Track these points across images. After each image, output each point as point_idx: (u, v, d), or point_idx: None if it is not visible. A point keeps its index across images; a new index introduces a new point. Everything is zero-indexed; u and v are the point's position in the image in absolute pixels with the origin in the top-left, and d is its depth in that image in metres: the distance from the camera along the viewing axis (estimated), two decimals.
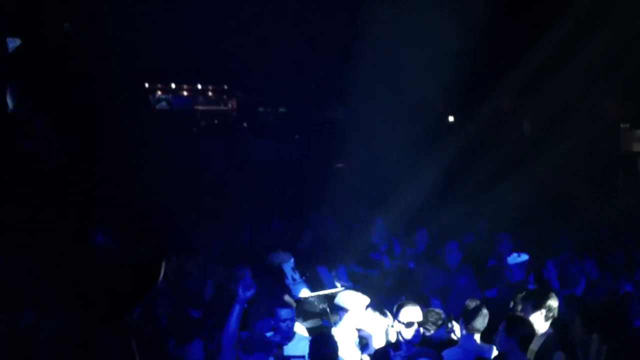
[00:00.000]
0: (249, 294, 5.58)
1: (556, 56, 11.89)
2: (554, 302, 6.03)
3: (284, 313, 5.83)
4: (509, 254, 8.52)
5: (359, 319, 6.24)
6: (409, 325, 5.79)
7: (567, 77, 11.94)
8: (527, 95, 13.44)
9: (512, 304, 6.64)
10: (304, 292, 7.30)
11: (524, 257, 7.77)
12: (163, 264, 1.91)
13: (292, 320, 5.93)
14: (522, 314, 5.98)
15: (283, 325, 5.82)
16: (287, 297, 6.16)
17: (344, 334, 5.98)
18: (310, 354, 5.28)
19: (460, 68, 12.74)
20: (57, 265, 1.75)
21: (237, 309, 5.49)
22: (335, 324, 6.39)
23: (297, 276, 7.67)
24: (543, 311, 5.90)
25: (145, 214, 1.93)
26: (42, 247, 1.76)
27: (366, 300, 6.38)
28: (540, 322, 5.86)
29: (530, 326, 5.65)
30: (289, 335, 5.85)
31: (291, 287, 7.33)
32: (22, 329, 1.94)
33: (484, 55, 12.77)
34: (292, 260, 7.67)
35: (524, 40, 12.50)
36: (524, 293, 6.31)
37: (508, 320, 5.71)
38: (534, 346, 5.71)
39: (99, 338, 1.83)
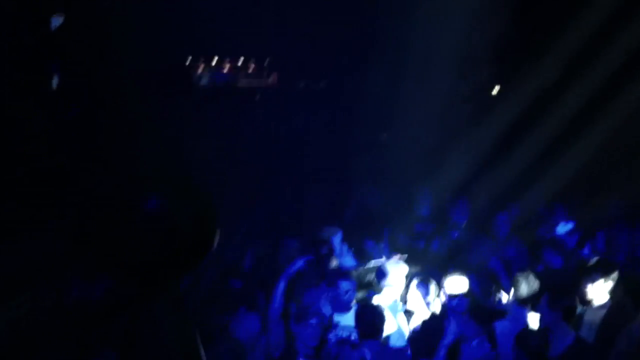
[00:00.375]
0: (295, 268, 5.61)
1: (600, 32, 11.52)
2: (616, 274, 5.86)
3: (345, 285, 5.84)
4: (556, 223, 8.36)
5: (402, 290, 6.19)
6: (454, 295, 5.70)
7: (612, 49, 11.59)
8: (575, 63, 13.05)
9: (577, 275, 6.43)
10: (352, 264, 7.28)
11: (570, 225, 7.62)
12: (215, 232, 1.86)
13: (354, 292, 5.94)
14: (587, 285, 5.79)
15: (345, 296, 5.82)
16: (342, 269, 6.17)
17: (388, 304, 5.93)
18: (356, 323, 5.25)
19: (505, 37, 12.45)
20: (106, 233, 1.70)
21: (282, 283, 5.51)
22: (380, 294, 6.36)
23: (344, 248, 7.67)
24: (610, 282, 5.74)
25: (194, 181, 1.88)
26: (91, 214, 1.72)
27: (408, 270, 6.33)
28: (603, 293, 5.71)
29: (574, 298, 5.53)
30: (349, 306, 5.85)
31: (339, 259, 7.33)
32: (68, 303, 1.87)
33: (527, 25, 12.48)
34: (340, 233, 7.66)
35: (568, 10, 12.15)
36: (589, 263, 6.12)
37: (551, 292, 5.59)
38: (595, 317, 5.56)
39: (152, 308, 1.78)
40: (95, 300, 1.78)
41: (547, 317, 5.41)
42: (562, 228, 7.65)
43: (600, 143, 10.86)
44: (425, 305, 5.93)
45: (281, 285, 5.61)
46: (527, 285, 5.85)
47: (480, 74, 14.24)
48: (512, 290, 6.01)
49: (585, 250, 7.49)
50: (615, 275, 5.79)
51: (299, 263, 5.86)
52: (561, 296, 5.47)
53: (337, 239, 7.84)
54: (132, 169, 1.87)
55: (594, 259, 6.25)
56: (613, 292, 5.74)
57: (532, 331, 5.34)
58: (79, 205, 1.77)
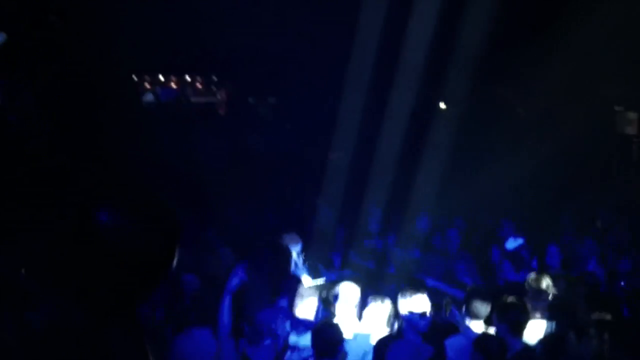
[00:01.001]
0: (237, 279, 5.45)
1: (551, 37, 11.77)
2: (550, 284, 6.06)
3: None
4: (510, 238, 8.48)
5: (356, 310, 6.14)
6: (417, 314, 5.65)
7: (563, 60, 11.85)
8: (522, 78, 13.32)
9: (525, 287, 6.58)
10: (305, 280, 7.21)
11: (519, 240, 7.73)
12: (176, 247, 1.72)
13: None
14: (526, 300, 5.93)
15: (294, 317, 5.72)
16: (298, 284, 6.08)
17: (344, 324, 5.86)
18: (313, 342, 5.16)
19: (455, 55, 12.63)
20: (55, 251, 1.56)
21: (227, 298, 5.37)
22: (334, 314, 6.29)
23: (300, 262, 7.58)
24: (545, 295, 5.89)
25: (154, 192, 1.74)
26: (38, 232, 1.58)
27: (359, 290, 6.28)
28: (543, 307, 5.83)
29: (522, 311, 5.59)
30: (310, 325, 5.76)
31: (293, 272, 7.25)
32: (20, 327, 1.72)
33: (477, 39, 12.66)
34: (300, 244, 7.58)
35: (519, 22, 12.40)
36: (530, 278, 6.27)
37: (498, 306, 5.67)
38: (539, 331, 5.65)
39: (105, 333, 1.63)
40: (43, 325, 1.67)
41: (498, 330, 5.49)
42: (512, 243, 7.76)
43: (550, 156, 11.08)
44: (381, 323, 5.86)
45: (226, 301, 5.44)
46: (479, 301, 5.86)
47: (425, 93, 14.39)
48: (464, 305, 6.02)
49: (534, 265, 7.61)
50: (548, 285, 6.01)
51: (239, 273, 5.66)
52: (508, 309, 5.55)
53: (296, 248, 7.78)
54: (83, 181, 1.74)
55: (531, 275, 6.40)
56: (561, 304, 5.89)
57: (489, 336, 5.37)
58: (26, 223, 1.65)
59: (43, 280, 1.62)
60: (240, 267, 5.55)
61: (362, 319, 5.90)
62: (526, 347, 5.37)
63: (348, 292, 6.26)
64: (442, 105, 16.45)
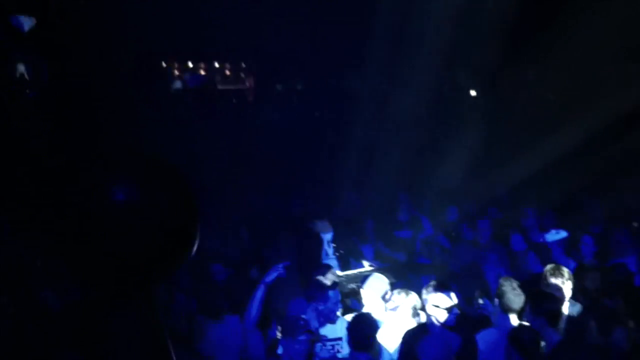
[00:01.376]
0: (274, 275, 5.47)
1: (583, 18, 11.52)
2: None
3: (333, 295, 5.71)
4: (536, 229, 8.34)
5: (382, 302, 6.09)
6: (444, 308, 5.57)
7: (596, 42, 11.62)
8: (554, 66, 13.09)
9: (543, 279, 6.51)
10: (333, 271, 7.18)
11: (563, 233, 7.57)
12: (198, 225, 1.61)
13: (338, 303, 5.83)
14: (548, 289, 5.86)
15: (332, 308, 5.70)
16: (328, 277, 6.03)
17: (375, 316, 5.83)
18: (349, 333, 5.11)
19: (482, 39, 12.44)
20: (69, 229, 1.46)
21: (260, 290, 5.38)
22: (361, 306, 6.25)
23: (330, 252, 7.56)
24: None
25: (175, 167, 1.63)
26: (52, 212, 1.49)
27: (387, 282, 6.22)
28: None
29: (557, 301, 5.50)
30: (335, 318, 5.73)
31: (325, 261, 7.23)
32: (37, 309, 1.67)
33: (506, 25, 12.46)
34: (331, 233, 7.55)
35: (550, 9, 12.17)
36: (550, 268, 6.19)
37: (533, 298, 5.58)
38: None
39: (121, 315, 1.56)
40: (68, 304, 1.61)
41: (533, 323, 5.38)
42: (554, 236, 7.61)
43: (585, 149, 10.88)
44: (407, 315, 5.81)
45: (259, 293, 5.46)
46: (511, 292, 5.77)
47: (467, 76, 14.23)
48: (496, 297, 5.93)
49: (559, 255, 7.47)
50: (568, 277, 5.94)
51: (279, 269, 5.71)
52: (543, 301, 5.47)
53: (327, 237, 7.76)
54: (97, 152, 1.62)
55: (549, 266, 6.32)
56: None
57: (525, 328, 5.28)
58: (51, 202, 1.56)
59: (58, 261, 1.55)
60: (281, 264, 5.59)
61: (388, 311, 5.84)
62: (565, 340, 5.26)
63: (375, 284, 6.22)
64: (472, 92, 16.28)
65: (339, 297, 5.85)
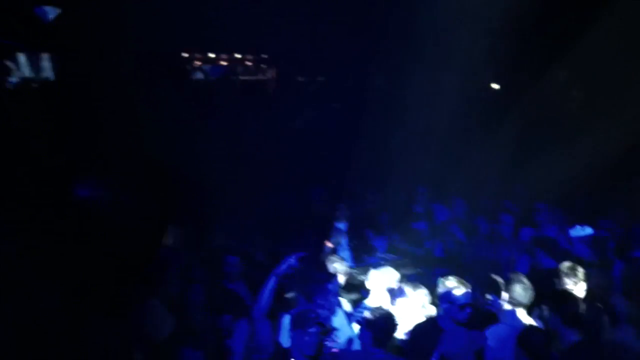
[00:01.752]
0: (287, 266, 5.49)
1: (608, 13, 11.36)
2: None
3: (330, 287, 5.73)
4: (553, 225, 8.28)
5: (388, 295, 6.10)
6: (457, 305, 5.54)
7: (622, 39, 11.47)
8: (575, 61, 12.94)
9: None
10: (344, 264, 7.20)
11: (588, 230, 7.52)
12: (168, 221, 1.56)
13: (335, 295, 5.85)
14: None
15: (328, 299, 5.72)
16: (334, 266, 6.06)
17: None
18: (369, 328, 5.11)
19: (506, 33, 12.33)
20: (69, 229, 1.44)
21: (272, 281, 5.40)
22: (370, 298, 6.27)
23: (344, 243, 7.57)
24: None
25: (145, 161, 1.58)
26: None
27: (395, 275, 6.23)
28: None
29: (576, 302, 5.46)
30: (332, 309, 5.76)
31: (339, 252, 7.25)
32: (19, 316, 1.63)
33: (529, 19, 12.33)
34: (345, 224, 7.57)
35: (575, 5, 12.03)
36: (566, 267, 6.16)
37: (552, 296, 5.55)
38: None
39: (90, 323, 1.51)
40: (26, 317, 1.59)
41: (550, 322, 5.35)
42: (577, 232, 7.56)
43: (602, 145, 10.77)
44: (416, 309, 5.80)
45: (270, 283, 5.47)
46: (521, 288, 5.75)
47: (483, 74, 14.12)
48: (506, 293, 5.90)
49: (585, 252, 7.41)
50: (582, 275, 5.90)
51: (291, 260, 5.70)
52: (563, 300, 5.44)
53: (342, 227, 7.78)
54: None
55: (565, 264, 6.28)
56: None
57: (534, 329, 5.24)
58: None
59: (36, 272, 1.53)
60: (294, 256, 5.60)
61: (395, 305, 5.84)
62: (584, 339, 5.21)
63: (382, 276, 6.22)
64: (495, 86, 16.15)
65: (337, 289, 5.85)
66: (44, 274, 1.47)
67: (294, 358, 4.88)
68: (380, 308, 5.50)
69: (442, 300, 5.58)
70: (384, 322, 5.11)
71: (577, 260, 6.52)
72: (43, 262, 1.50)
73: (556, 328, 5.23)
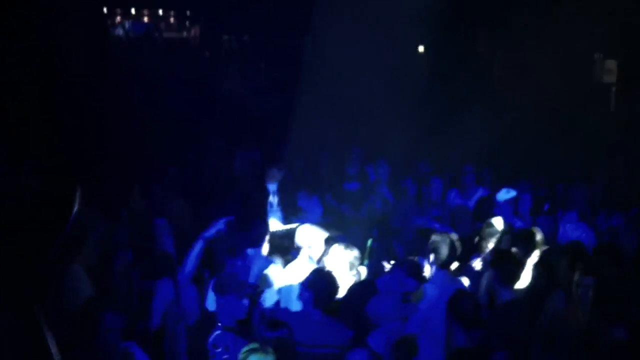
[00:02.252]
0: (214, 230, 5.32)
1: None
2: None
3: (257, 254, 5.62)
4: (474, 186, 8.42)
5: (319, 254, 6.06)
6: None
7: (539, 5, 11.67)
8: (499, 23, 13.11)
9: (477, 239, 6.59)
10: (274, 224, 7.09)
11: (512, 193, 7.64)
12: (74, 195, 1.37)
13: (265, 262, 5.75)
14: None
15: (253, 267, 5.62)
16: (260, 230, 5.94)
17: (303, 269, 5.78)
18: (309, 288, 5.02)
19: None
20: None
21: (198, 245, 5.23)
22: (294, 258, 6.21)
23: (275, 202, 7.46)
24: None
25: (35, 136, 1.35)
26: None
27: (325, 234, 6.19)
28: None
29: (516, 260, 5.55)
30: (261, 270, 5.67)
31: (267, 213, 7.13)
32: None
33: None
34: (276, 184, 7.44)
35: None
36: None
37: (493, 253, 5.64)
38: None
39: None
40: None
41: (490, 279, 5.42)
42: (503, 195, 7.67)
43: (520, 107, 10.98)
44: (345, 270, 5.76)
45: (197, 248, 5.28)
46: (447, 248, 5.75)
47: (411, 35, 14.11)
48: (431, 253, 5.88)
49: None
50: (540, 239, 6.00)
51: (219, 225, 5.52)
52: (503, 258, 5.52)
53: (273, 187, 7.66)
54: None
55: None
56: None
57: (464, 293, 5.28)
58: None
59: None
60: (223, 220, 5.41)
61: (323, 264, 5.79)
62: (514, 300, 5.29)
63: (309, 237, 6.17)
64: (421, 48, 16.23)
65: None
66: None
67: (221, 323, 4.75)
68: (321, 269, 5.44)
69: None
70: (326, 282, 5.05)
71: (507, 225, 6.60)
72: None
73: (492, 285, 5.32)
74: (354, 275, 5.80)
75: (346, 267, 5.71)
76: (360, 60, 12.83)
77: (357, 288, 5.49)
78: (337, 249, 5.79)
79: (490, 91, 12.13)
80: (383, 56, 13.34)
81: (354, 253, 5.76)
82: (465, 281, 5.84)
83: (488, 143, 9.15)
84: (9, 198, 1.25)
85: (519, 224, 7.14)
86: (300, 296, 5.13)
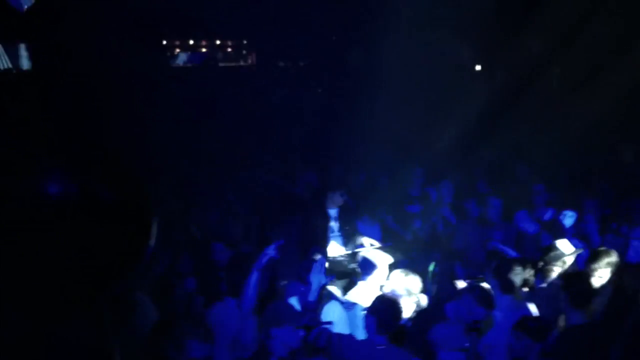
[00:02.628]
0: (267, 257, 5.29)
1: None
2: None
3: (316, 281, 5.56)
4: (544, 206, 8.18)
5: (384, 279, 5.96)
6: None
7: (597, 21, 11.41)
8: (557, 39, 12.86)
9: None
10: (336, 249, 7.04)
11: (573, 214, 7.43)
12: (153, 219, 1.34)
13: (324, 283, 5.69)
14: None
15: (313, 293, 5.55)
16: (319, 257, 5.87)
17: (369, 293, 5.69)
18: (374, 314, 4.95)
19: (486, 11, 12.21)
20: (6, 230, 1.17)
21: (255, 275, 5.21)
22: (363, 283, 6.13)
23: (335, 227, 7.40)
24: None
25: (116, 152, 1.33)
26: None
27: (390, 259, 6.08)
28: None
29: (586, 283, 5.37)
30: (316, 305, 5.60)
31: (328, 238, 7.08)
32: None
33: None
34: (336, 209, 7.40)
35: None
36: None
37: (563, 277, 5.48)
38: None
39: (63, 334, 1.29)
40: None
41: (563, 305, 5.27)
42: (568, 220, 7.46)
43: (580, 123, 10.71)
44: (408, 295, 5.65)
45: (253, 278, 5.26)
46: (510, 272, 5.60)
47: (460, 55, 14.01)
48: (494, 278, 5.73)
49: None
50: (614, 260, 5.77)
51: (270, 251, 5.47)
52: (573, 280, 5.35)
53: (333, 212, 7.61)
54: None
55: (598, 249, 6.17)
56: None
57: (530, 317, 5.15)
58: None
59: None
60: (273, 246, 5.39)
61: (384, 290, 5.70)
62: (589, 323, 5.11)
63: (375, 260, 6.07)
64: (477, 67, 16.07)
65: (323, 281, 5.69)
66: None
67: (275, 353, 4.67)
68: (384, 294, 5.35)
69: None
70: (389, 307, 4.95)
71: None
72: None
73: (563, 308, 5.17)
74: (414, 302, 5.68)
75: (406, 293, 5.60)
76: (418, 82, 12.77)
77: (425, 314, 5.39)
78: (397, 275, 5.70)
79: (549, 108, 11.86)
80: (440, 76, 13.27)
81: (414, 279, 5.66)
82: (532, 307, 5.67)
83: (548, 162, 8.93)
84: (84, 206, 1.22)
85: (580, 246, 6.90)
86: (364, 323, 5.05)
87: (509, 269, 5.57)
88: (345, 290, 6.19)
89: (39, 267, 1.22)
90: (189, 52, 17.78)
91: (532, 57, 13.82)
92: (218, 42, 18.59)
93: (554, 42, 12.95)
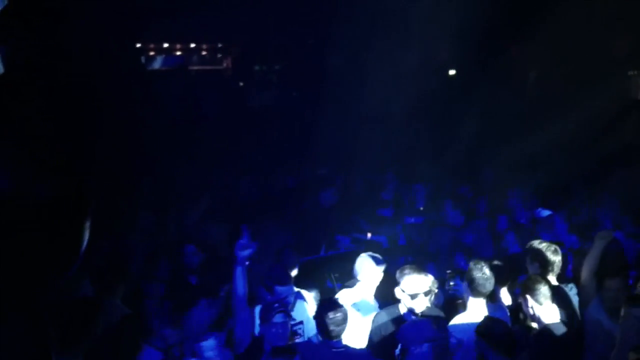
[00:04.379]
0: (246, 253, 5.25)
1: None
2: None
3: (282, 290, 5.57)
4: (521, 209, 8.29)
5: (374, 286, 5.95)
6: (414, 296, 5.39)
7: (574, 23, 11.53)
8: (533, 42, 12.99)
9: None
10: (313, 251, 7.06)
11: (546, 212, 7.53)
12: (88, 218, 1.30)
13: (291, 297, 5.71)
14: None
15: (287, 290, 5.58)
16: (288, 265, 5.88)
17: (347, 300, 5.69)
18: (316, 317, 4.97)
19: (461, 15, 12.31)
20: None
21: (239, 271, 5.19)
22: (340, 287, 6.14)
23: (313, 229, 7.41)
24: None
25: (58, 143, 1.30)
26: None
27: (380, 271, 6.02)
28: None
29: (546, 284, 5.44)
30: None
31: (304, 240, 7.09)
32: None
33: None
34: (316, 211, 7.42)
35: None
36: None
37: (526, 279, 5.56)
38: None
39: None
40: None
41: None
42: (541, 214, 7.57)
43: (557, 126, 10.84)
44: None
45: (238, 272, 5.22)
46: (480, 277, 5.58)
47: (434, 59, 14.09)
48: (466, 281, 5.74)
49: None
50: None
51: (249, 250, 5.41)
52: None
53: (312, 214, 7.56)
54: None
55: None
56: None
57: (494, 320, 5.16)
58: None
59: None
60: (243, 239, 5.30)
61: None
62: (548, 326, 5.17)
63: (366, 270, 6.01)
64: (451, 72, 16.17)
65: (291, 292, 5.70)
66: None
67: (266, 348, 4.76)
68: (332, 300, 5.33)
69: (399, 290, 5.41)
70: (339, 313, 4.95)
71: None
72: None
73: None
74: (429, 301, 5.60)
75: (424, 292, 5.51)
76: (394, 84, 12.82)
77: (384, 317, 5.43)
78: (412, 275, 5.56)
79: (524, 111, 11.98)
80: (415, 79, 13.33)
81: (429, 277, 5.57)
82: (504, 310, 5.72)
83: (524, 164, 9.04)
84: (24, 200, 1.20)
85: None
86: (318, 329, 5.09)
87: (478, 272, 5.58)
88: (318, 293, 6.19)
89: None
90: (164, 55, 17.69)
91: (510, 61, 13.96)
92: (193, 45, 18.51)
93: (532, 46, 13.10)
